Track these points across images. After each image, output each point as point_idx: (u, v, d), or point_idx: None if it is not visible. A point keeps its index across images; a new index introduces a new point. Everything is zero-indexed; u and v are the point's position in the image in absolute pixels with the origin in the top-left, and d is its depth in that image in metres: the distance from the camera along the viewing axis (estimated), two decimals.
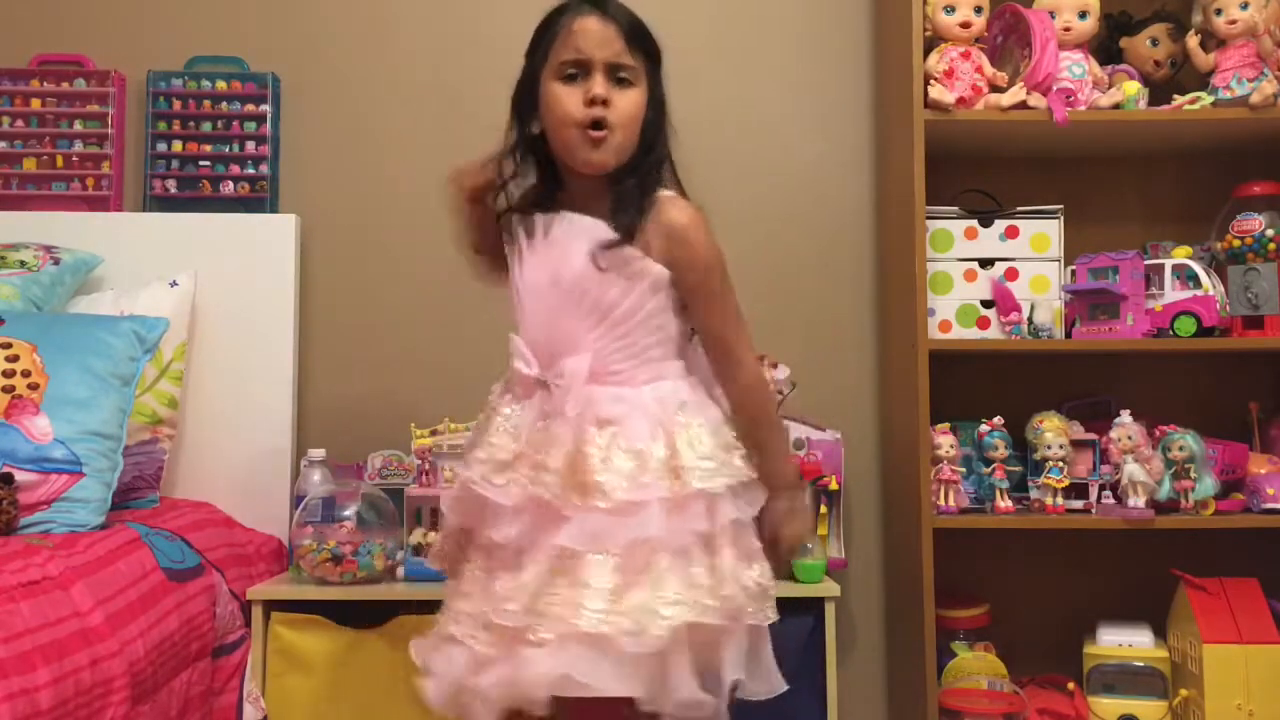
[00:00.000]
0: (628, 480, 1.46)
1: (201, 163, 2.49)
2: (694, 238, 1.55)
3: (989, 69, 2.24)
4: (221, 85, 2.50)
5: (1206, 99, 2.24)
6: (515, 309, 1.60)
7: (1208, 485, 2.15)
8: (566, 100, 1.55)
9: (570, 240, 1.55)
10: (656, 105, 1.60)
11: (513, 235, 1.61)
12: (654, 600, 1.42)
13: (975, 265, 2.29)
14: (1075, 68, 2.26)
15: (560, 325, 1.54)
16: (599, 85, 1.54)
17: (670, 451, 1.49)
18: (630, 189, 1.55)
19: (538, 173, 1.64)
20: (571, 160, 1.57)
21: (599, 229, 1.54)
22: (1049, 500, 2.18)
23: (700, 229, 1.56)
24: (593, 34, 1.55)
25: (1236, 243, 2.24)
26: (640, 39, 1.58)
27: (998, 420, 2.23)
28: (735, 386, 1.59)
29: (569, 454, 1.47)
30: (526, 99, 1.62)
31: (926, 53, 2.21)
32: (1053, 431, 2.19)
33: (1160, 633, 2.24)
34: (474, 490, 1.53)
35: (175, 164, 2.49)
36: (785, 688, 1.57)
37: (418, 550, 2.16)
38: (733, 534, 1.51)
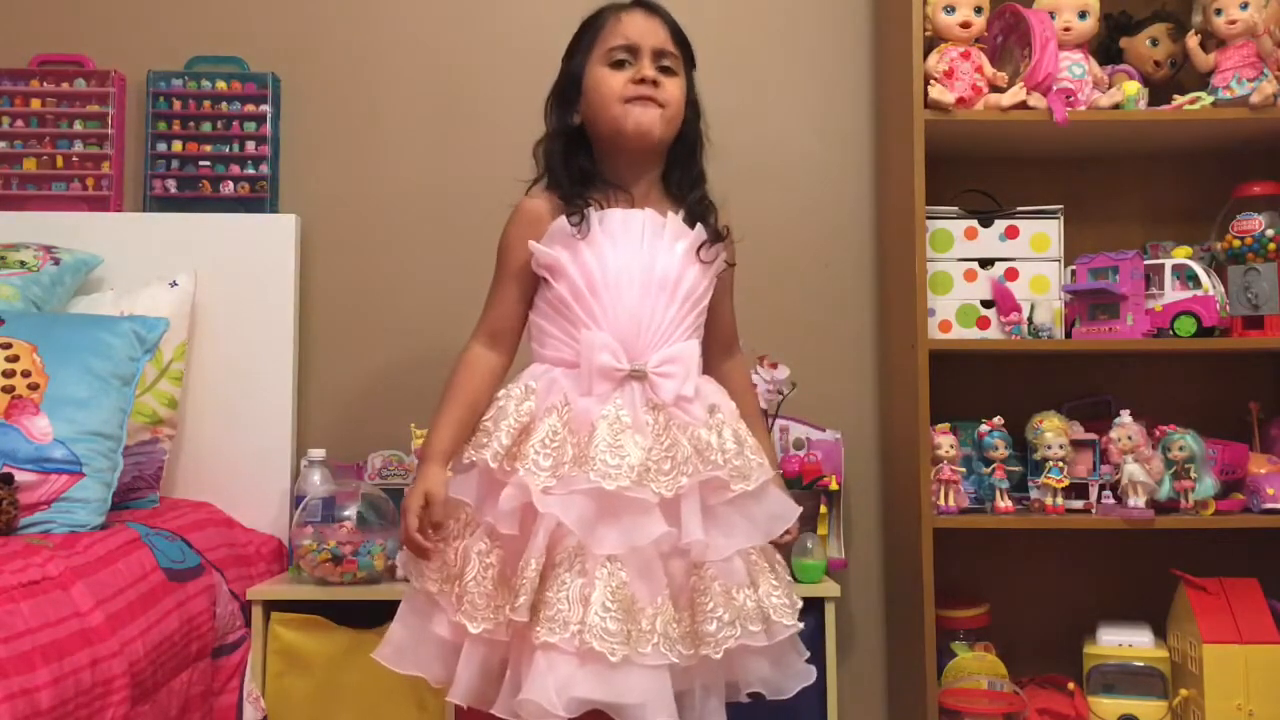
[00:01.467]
0: (754, 461, 1.55)
1: (201, 163, 2.49)
2: (731, 236, 1.69)
3: (989, 69, 2.24)
4: (221, 85, 2.50)
5: (1206, 99, 2.24)
6: (580, 304, 1.56)
7: (1208, 485, 2.15)
8: (615, 80, 1.60)
9: (662, 232, 1.60)
10: (694, 108, 1.69)
11: (582, 228, 1.57)
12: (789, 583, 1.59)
13: (975, 265, 2.29)
14: (1075, 68, 2.26)
15: (655, 316, 1.57)
16: (648, 68, 1.60)
17: (750, 439, 1.60)
18: (707, 196, 1.66)
19: (581, 164, 1.64)
20: (620, 134, 1.60)
21: (680, 223, 1.62)
22: (1049, 500, 2.18)
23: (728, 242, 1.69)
24: (640, 25, 1.63)
25: (1236, 243, 2.24)
26: (681, 38, 1.67)
27: (998, 420, 2.23)
28: (740, 371, 1.75)
29: (715, 439, 1.53)
30: (569, 90, 1.65)
31: (926, 53, 2.21)
32: (1053, 431, 2.19)
33: (1160, 633, 2.24)
34: (602, 500, 1.45)
35: (175, 164, 2.49)
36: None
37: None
38: None
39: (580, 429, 1.49)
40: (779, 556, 1.61)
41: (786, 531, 1.61)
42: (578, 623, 1.40)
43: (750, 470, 1.52)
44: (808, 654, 1.62)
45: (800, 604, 1.58)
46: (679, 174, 1.67)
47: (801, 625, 1.56)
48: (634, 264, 1.57)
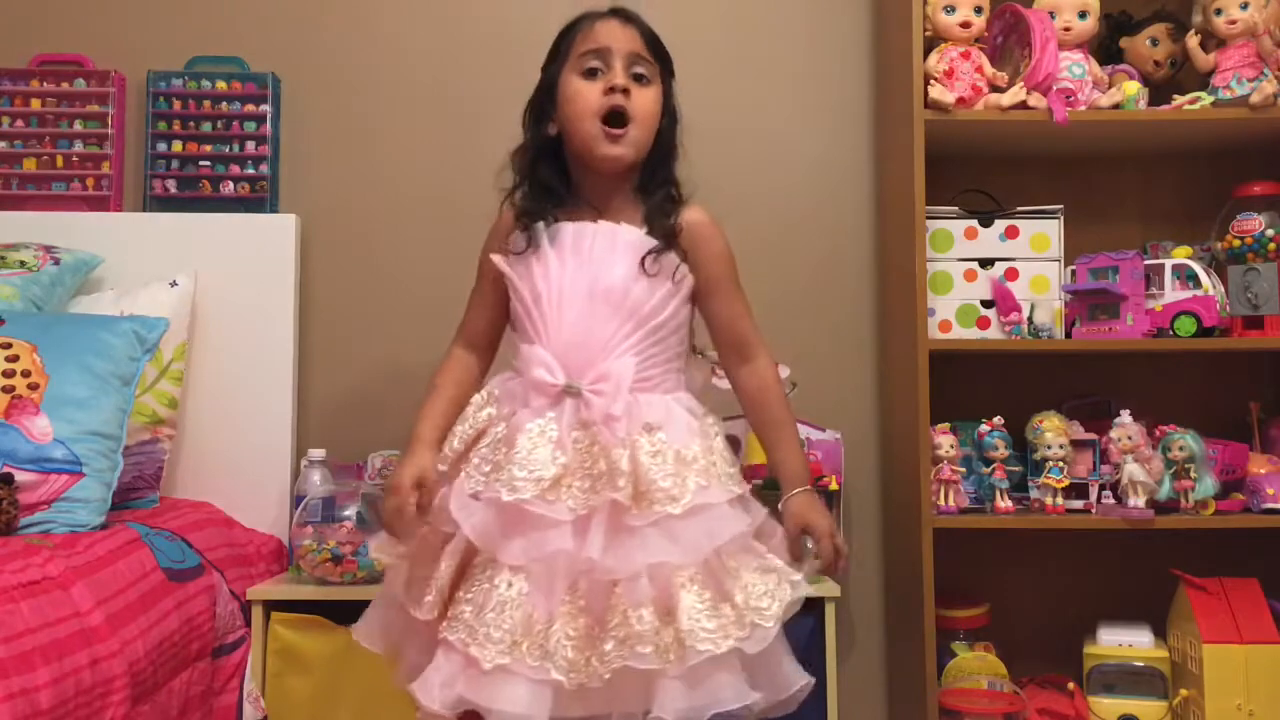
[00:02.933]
0: (691, 484, 1.48)
1: (201, 163, 2.49)
2: (714, 231, 1.63)
3: (989, 69, 2.24)
4: (221, 85, 2.50)
5: (1206, 99, 2.24)
6: (528, 319, 1.58)
7: (1208, 485, 2.15)
8: (587, 91, 1.59)
9: (611, 246, 1.58)
10: (670, 115, 1.66)
11: (531, 242, 1.60)
12: (751, 599, 1.46)
13: (975, 265, 2.29)
14: (1075, 68, 2.26)
15: (596, 332, 1.55)
16: (619, 75, 1.58)
17: (708, 458, 1.53)
18: (665, 198, 1.61)
19: (547, 178, 1.64)
20: (589, 155, 1.60)
21: (638, 236, 1.58)
22: (1049, 500, 2.18)
23: (717, 224, 1.64)
24: (614, 32, 1.61)
25: (1236, 243, 2.25)
26: (656, 46, 1.65)
27: (998, 420, 2.23)
28: (755, 378, 1.65)
29: (629, 461, 1.47)
30: (544, 101, 1.65)
31: (926, 53, 2.21)
32: (1053, 431, 2.19)
33: (1160, 633, 2.24)
34: (509, 511, 1.46)
35: (175, 164, 2.49)
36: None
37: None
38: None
39: (511, 440, 1.51)
40: (750, 564, 1.49)
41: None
42: (470, 626, 1.44)
43: (682, 492, 1.47)
44: (783, 679, 1.51)
45: (767, 618, 1.45)
46: (647, 180, 1.64)
47: (719, 649, 1.41)
48: (579, 279, 1.56)
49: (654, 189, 1.63)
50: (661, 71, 1.64)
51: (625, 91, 1.57)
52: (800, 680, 1.51)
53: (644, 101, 1.60)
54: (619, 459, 1.47)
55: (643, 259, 1.57)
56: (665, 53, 1.66)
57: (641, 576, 1.44)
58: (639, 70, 1.60)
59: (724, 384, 2.17)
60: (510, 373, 1.62)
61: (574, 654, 1.42)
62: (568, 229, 1.60)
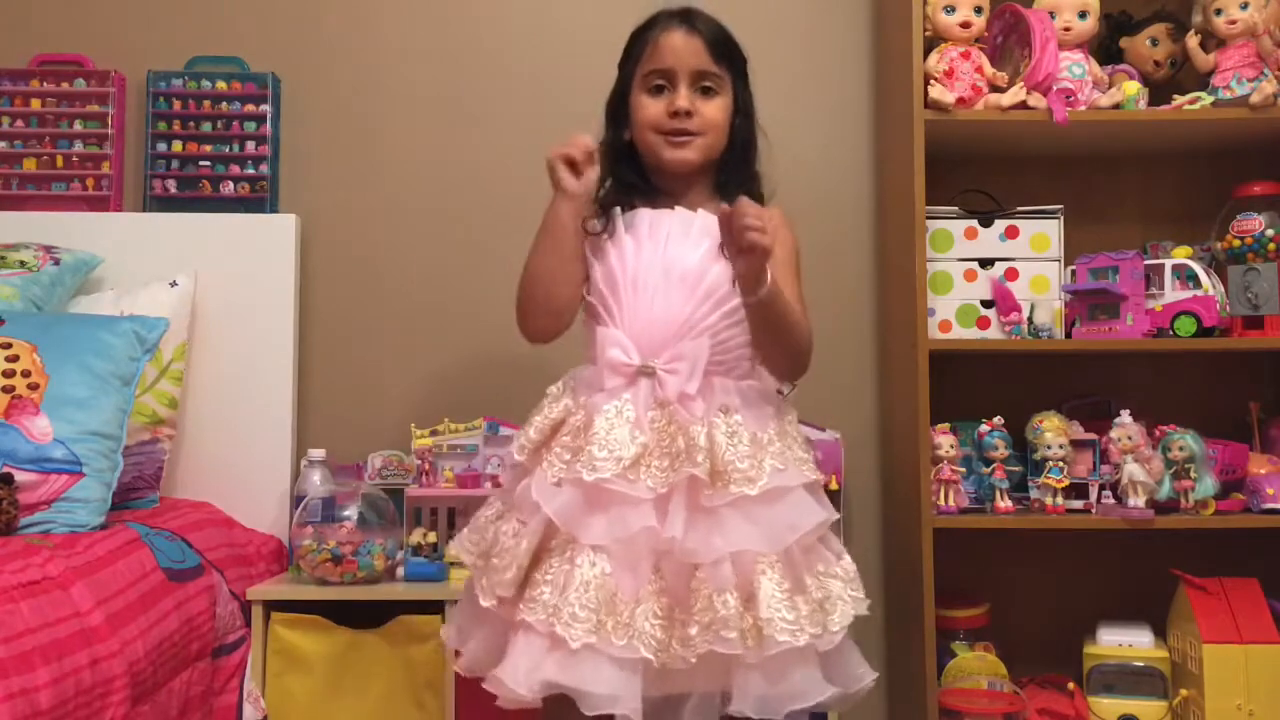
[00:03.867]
0: (767, 466, 1.50)
1: (201, 163, 2.49)
2: (788, 225, 1.68)
3: (989, 69, 2.24)
4: (221, 85, 2.50)
5: (1206, 99, 2.24)
6: (604, 301, 1.61)
7: (1208, 485, 2.15)
8: (651, 110, 1.64)
9: (687, 231, 1.61)
10: (744, 112, 1.70)
11: (608, 228, 1.63)
12: (827, 599, 1.50)
13: (975, 265, 2.29)
14: (1075, 68, 2.26)
15: (672, 314, 1.57)
16: (682, 98, 1.63)
17: (784, 443, 1.55)
18: (749, 193, 1.62)
19: (626, 176, 1.68)
20: (658, 160, 1.65)
21: (715, 221, 1.58)
22: (1049, 500, 2.18)
23: (779, 217, 1.66)
24: (678, 47, 1.64)
25: (1236, 243, 2.24)
26: (725, 49, 1.67)
27: (998, 420, 2.23)
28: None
29: (706, 439, 1.49)
30: (619, 107, 1.69)
31: (926, 53, 2.21)
32: (1053, 431, 2.19)
33: (1160, 633, 2.24)
34: (589, 491, 1.47)
35: (175, 164, 2.49)
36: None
37: (417, 550, 2.17)
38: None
39: (588, 423, 1.52)
40: (823, 563, 1.54)
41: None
42: (553, 606, 1.43)
43: (760, 474, 1.49)
44: (853, 673, 1.55)
45: (834, 623, 1.50)
46: (727, 177, 1.68)
47: (796, 643, 1.44)
48: (655, 263, 1.59)
49: (733, 187, 1.65)
50: (732, 74, 1.68)
51: (688, 114, 1.62)
52: (869, 676, 1.55)
53: (709, 114, 1.65)
54: (697, 435, 1.49)
55: (722, 244, 1.57)
56: (736, 50, 1.69)
57: (725, 562, 1.45)
58: (705, 84, 1.65)
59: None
60: (584, 364, 1.63)
61: (661, 634, 1.44)
62: (645, 214, 1.64)
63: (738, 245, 1.48)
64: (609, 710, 1.41)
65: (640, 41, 1.67)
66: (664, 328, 1.57)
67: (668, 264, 1.59)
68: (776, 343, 1.61)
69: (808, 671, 1.47)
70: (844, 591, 1.53)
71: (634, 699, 1.41)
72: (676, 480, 1.47)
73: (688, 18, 1.66)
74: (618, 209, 1.64)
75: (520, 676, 1.43)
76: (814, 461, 1.61)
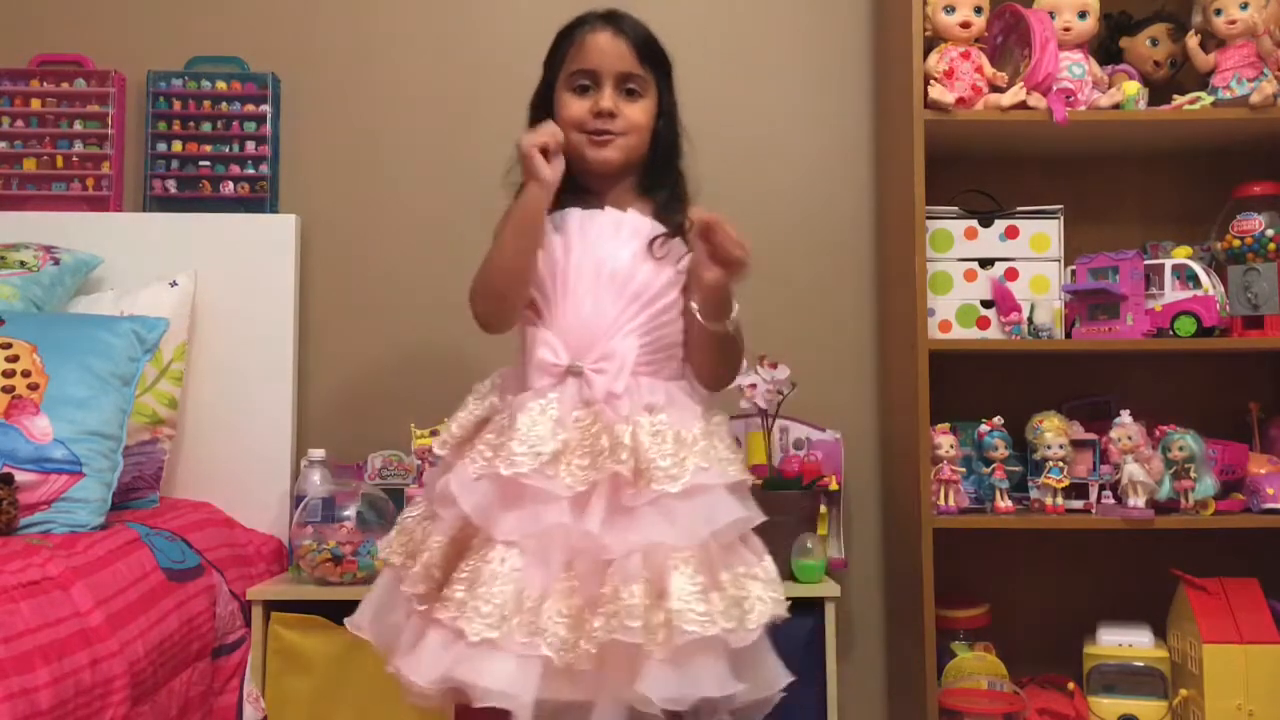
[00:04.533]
0: (690, 464, 1.49)
1: (201, 163, 2.49)
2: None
3: (989, 69, 2.24)
4: (221, 85, 2.50)
5: (1206, 99, 2.24)
6: (535, 301, 1.61)
7: (1208, 485, 2.15)
8: (575, 109, 1.64)
9: (617, 231, 1.61)
10: (667, 115, 1.69)
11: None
12: (745, 595, 1.48)
13: (975, 265, 2.29)
14: (1075, 68, 2.26)
15: (601, 314, 1.58)
16: (606, 99, 1.63)
17: (709, 442, 1.54)
18: (670, 196, 1.65)
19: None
20: (581, 160, 1.65)
21: (646, 221, 1.62)
22: (1049, 500, 2.18)
23: None
24: (604, 48, 1.64)
25: (1236, 243, 2.24)
26: (651, 53, 1.67)
27: (998, 420, 2.23)
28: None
29: (630, 437, 1.49)
30: (543, 105, 1.70)
31: (926, 53, 2.21)
32: (1053, 431, 2.19)
33: (1160, 633, 2.24)
34: (505, 486, 1.48)
35: (175, 164, 2.49)
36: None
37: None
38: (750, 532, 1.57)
39: (512, 420, 1.53)
40: (743, 564, 1.51)
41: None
42: (460, 601, 1.44)
43: (681, 472, 1.48)
44: (768, 676, 1.52)
45: (750, 621, 1.47)
46: (651, 178, 1.68)
47: (706, 633, 1.41)
48: (585, 263, 1.59)
49: (658, 187, 1.67)
50: (657, 77, 1.67)
51: (611, 115, 1.62)
52: (784, 679, 1.52)
53: (632, 115, 1.65)
54: (621, 434, 1.49)
55: (650, 242, 1.60)
56: (662, 54, 1.68)
57: (635, 554, 1.44)
58: (629, 86, 1.65)
59: (770, 375, 2.22)
60: (511, 367, 1.64)
61: (566, 633, 1.42)
62: (574, 214, 1.63)
63: (719, 259, 1.50)
64: (500, 705, 1.40)
65: (566, 41, 1.68)
66: (593, 328, 1.57)
67: (598, 264, 1.59)
68: (721, 363, 1.64)
69: (715, 663, 1.44)
70: (763, 592, 1.51)
71: (527, 695, 1.40)
72: (598, 478, 1.47)
73: (614, 19, 1.66)
74: (547, 218, 1.63)
75: (422, 669, 1.44)
76: (740, 461, 1.59)
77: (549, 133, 1.59)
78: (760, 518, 1.56)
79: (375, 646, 1.61)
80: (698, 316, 1.58)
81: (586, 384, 1.54)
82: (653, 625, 1.41)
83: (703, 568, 1.47)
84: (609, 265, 1.59)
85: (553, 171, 1.59)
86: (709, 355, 1.62)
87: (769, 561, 1.57)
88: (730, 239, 1.50)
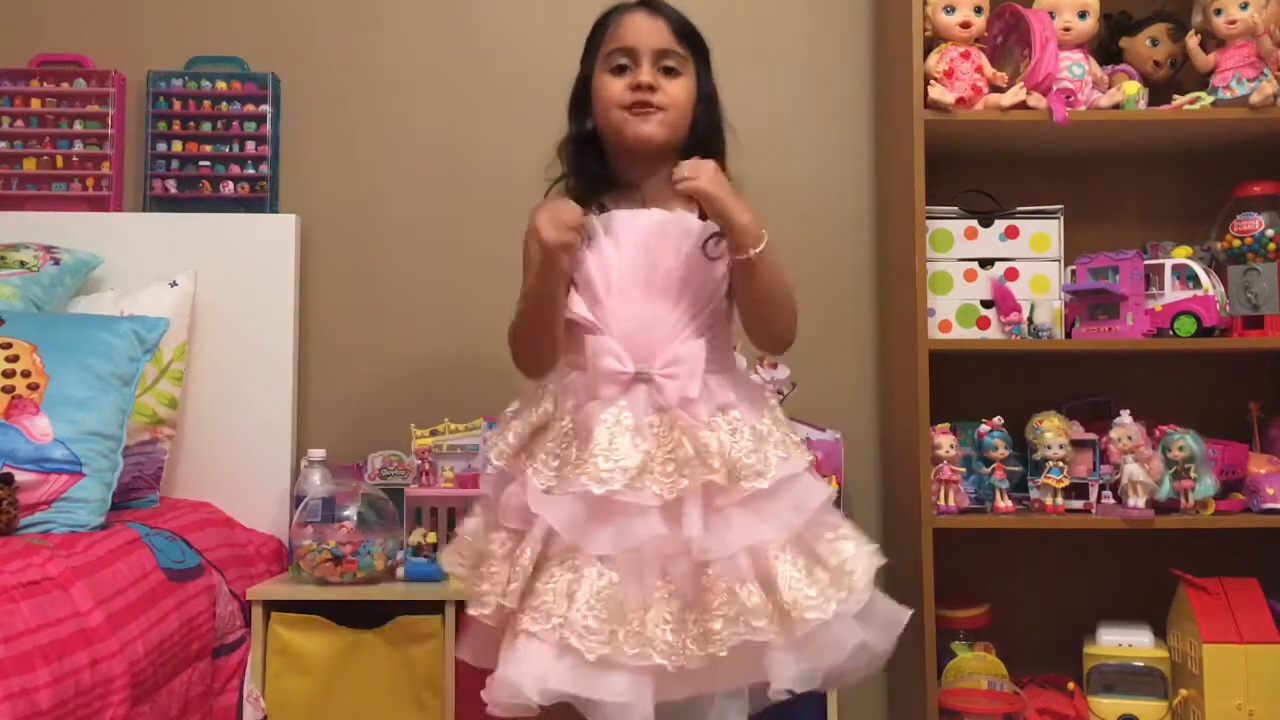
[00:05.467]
0: (773, 457, 1.50)
1: (201, 163, 2.49)
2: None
3: (989, 69, 2.24)
4: (221, 85, 2.50)
5: (1206, 99, 2.24)
6: (590, 307, 1.57)
7: (1208, 485, 2.15)
8: (613, 86, 1.62)
9: (665, 233, 1.59)
10: (705, 100, 1.67)
11: (586, 236, 1.58)
12: (843, 557, 1.52)
13: (975, 265, 2.29)
14: (1075, 68, 2.26)
15: (661, 318, 1.56)
16: (645, 73, 1.60)
17: (780, 430, 1.57)
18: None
19: (591, 168, 1.66)
20: (622, 140, 1.62)
21: (695, 221, 1.59)
22: (1049, 500, 2.18)
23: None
24: (640, 26, 1.63)
25: (1236, 243, 2.24)
26: (688, 34, 1.65)
27: (998, 420, 2.23)
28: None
29: (716, 443, 1.49)
30: (582, 97, 1.67)
31: (926, 53, 2.21)
32: (1053, 431, 2.19)
33: (1160, 633, 2.24)
34: (590, 502, 1.45)
35: (175, 164, 2.49)
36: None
37: (417, 550, 2.16)
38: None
39: (584, 432, 1.50)
40: (829, 530, 1.55)
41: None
42: (560, 616, 1.43)
43: (767, 467, 1.49)
44: (890, 617, 1.56)
45: (859, 583, 1.51)
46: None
47: (825, 615, 1.45)
48: (639, 266, 1.57)
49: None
50: (695, 58, 1.66)
51: (651, 89, 1.60)
52: (904, 614, 1.56)
53: (673, 91, 1.62)
54: (708, 440, 1.49)
55: (704, 243, 1.58)
56: (698, 38, 1.67)
57: (740, 555, 1.45)
58: (668, 64, 1.63)
59: (770, 375, 2.22)
60: (567, 367, 1.61)
61: (672, 637, 1.43)
62: (621, 217, 1.61)
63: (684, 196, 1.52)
64: (624, 718, 1.40)
65: (601, 28, 1.67)
66: (653, 332, 1.55)
67: (650, 268, 1.58)
68: (771, 313, 1.60)
69: (839, 633, 1.48)
70: (857, 549, 1.54)
71: (647, 705, 1.41)
72: (687, 487, 1.47)
73: (648, 3, 1.66)
74: (594, 213, 1.60)
75: (529, 683, 1.40)
76: (803, 442, 1.62)
77: (571, 219, 1.51)
78: (834, 491, 1.60)
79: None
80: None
81: (657, 390, 1.52)
82: (771, 617, 1.44)
83: (801, 549, 1.50)
84: (662, 267, 1.57)
85: (577, 260, 1.55)
86: (756, 305, 1.59)
87: (845, 521, 1.60)
88: (676, 181, 1.50)
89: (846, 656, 1.48)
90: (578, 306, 1.58)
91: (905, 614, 1.57)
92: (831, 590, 1.48)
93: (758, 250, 1.53)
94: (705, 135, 1.66)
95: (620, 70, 1.62)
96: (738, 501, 1.48)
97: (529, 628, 1.43)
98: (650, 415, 1.51)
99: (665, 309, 1.57)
